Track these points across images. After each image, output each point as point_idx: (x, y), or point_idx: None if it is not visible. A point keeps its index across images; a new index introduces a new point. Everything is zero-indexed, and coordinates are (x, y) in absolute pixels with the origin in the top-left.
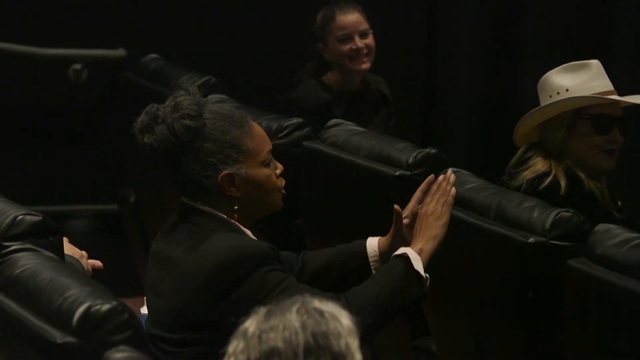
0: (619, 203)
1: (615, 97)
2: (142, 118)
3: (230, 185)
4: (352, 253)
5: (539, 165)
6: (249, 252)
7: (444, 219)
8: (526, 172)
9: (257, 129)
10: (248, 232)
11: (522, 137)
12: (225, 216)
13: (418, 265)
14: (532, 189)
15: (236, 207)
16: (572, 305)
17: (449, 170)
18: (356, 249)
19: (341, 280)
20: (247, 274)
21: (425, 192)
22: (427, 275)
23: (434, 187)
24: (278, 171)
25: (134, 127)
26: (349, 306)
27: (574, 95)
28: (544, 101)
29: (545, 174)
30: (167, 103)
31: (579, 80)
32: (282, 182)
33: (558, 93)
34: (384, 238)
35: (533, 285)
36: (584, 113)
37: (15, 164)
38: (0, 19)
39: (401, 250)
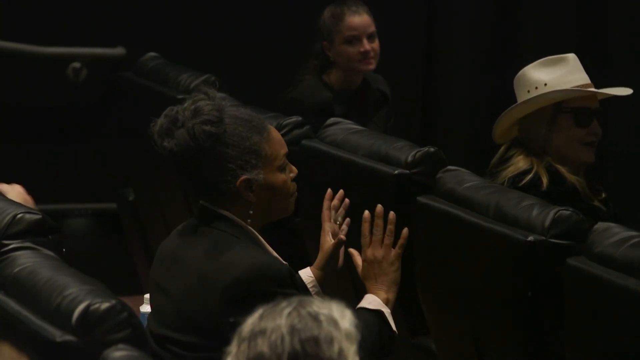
0: (603, 195)
1: (594, 89)
2: (162, 121)
3: (247, 190)
4: None
5: (520, 163)
6: (267, 272)
7: (398, 263)
8: (507, 171)
9: (275, 133)
10: (264, 242)
11: (502, 134)
12: (242, 222)
13: (393, 323)
14: (513, 186)
15: (251, 212)
16: (571, 304)
17: (379, 206)
18: None
19: None
20: (261, 293)
21: (330, 209)
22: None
23: (366, 226)
24: (292, 175)
25: (151, 128)
26: None
27: (553, 89)
28: (522, 96)
29: (526, 172)
30: (185, 106)
31: (556, 74)
32: (294, 187)
33: (536, 88)
34: (314, 266)
35: (532, 283)
36: (564, 107)
37: (13, 163)
38: None
39: (372, 302)
